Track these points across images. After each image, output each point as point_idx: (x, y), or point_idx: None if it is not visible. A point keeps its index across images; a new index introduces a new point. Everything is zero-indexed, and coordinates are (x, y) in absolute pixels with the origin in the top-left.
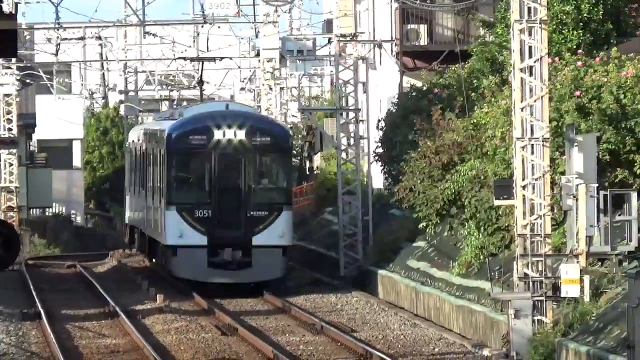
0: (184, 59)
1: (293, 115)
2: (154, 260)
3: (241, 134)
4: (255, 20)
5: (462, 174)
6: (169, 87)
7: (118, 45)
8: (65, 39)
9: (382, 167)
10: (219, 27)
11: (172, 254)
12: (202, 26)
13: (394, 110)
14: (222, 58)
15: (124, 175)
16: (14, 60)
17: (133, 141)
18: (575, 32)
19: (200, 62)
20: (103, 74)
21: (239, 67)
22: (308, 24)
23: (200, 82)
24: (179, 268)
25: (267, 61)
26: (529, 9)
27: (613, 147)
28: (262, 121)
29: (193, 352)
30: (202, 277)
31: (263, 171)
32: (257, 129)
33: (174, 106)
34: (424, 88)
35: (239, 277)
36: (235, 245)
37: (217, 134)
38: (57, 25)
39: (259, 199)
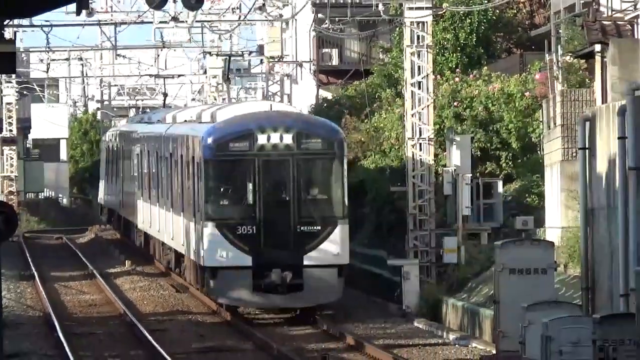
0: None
1: None
2: (120, 230)
3: (289, 138)
4: (203, 45)
5: (365, 166)
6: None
7: (95, 64)
8: (54, 59)
9: None
10: (174, 50)
11: (211, 276)
12: (162, 50)
13: None
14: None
15: (105, 167)
16: (13, 76)
17: (125, 142)
18: (454, 55)
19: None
20: (84, 87)
21: (190, 82)
22: (245, 48)
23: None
24: (219, 292)
25: (213, 77)
26: (418, 36)
27: (483, 145)
28: (312, 123)
29: (154, 306)
30: (247, 303)
31: (314, 180)
32: (307, 132)
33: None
34: (334, 100)
35: (289, 301)
36: (284, 265)
37: (262, 139)
38: (47, 49)
39: (310, 212)
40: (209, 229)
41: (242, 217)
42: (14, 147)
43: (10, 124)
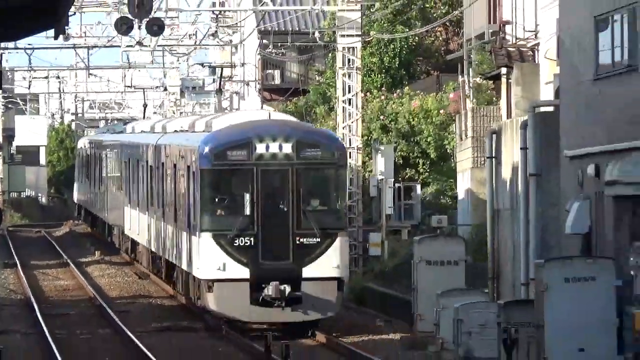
0: (206, 65)
1: None
2: (94, 228)
3: (288, 148)
4: (164, 66)
5: None
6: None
7: (71, 82)
8: (35, 77)
9: None
10: (139, 70)
11: (207, 289)
12: (128, 70)
13: None
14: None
15: (80, 171)
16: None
17: (107, 151)
18: (379, 76)
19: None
20: (60, 101)
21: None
22: (200, 68)
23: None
24: (215, 305)
25: (172, 94)
26: (348, 60)
27: (405, 154)
28: (312, 132)
29: (119, 290)
30: (244, 316)
31: (314, 190)
32: (307, 142)
33: (110, 124)
34: None
35: (287, 315)
36: (283, 278)
37: (260, 148)
38: (29, 68)
39: (309, 223)
40: (205, 240)
41: (240, 228)
42: (0, 153)
43: None
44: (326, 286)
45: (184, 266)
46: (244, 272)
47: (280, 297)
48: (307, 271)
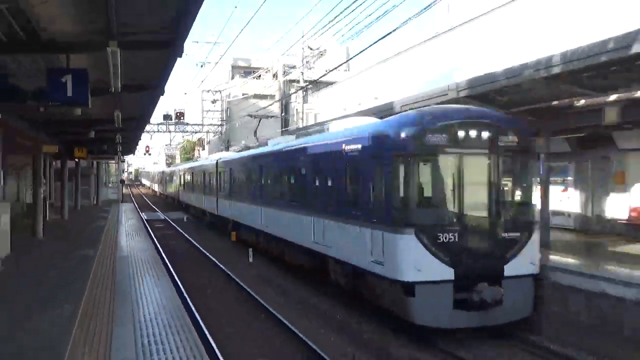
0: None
1: None
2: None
3: (486, 135)
4: (165, 146)
5: None
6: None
7: (138, 160)
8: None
9: None
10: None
11: (406, 294)
12: (149, 155)
13: None
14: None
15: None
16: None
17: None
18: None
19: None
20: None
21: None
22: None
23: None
24: (418, 312)
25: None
26: (202, 148)
27: None
28: (507, 118)
29: (162, 205)
30: (447, 323)
31: (514, 180)
32: (505, 128)
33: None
34: None
35: (489, 318)
36: (486, 277)
37: (460, 134)
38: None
39: (511, 215)
40: (406, 237)
41: (443, 223)
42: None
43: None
44: (524, 284)
45: (363, 264)
46: (449, 273)
47: (489, 299)
48: (509, 268)
